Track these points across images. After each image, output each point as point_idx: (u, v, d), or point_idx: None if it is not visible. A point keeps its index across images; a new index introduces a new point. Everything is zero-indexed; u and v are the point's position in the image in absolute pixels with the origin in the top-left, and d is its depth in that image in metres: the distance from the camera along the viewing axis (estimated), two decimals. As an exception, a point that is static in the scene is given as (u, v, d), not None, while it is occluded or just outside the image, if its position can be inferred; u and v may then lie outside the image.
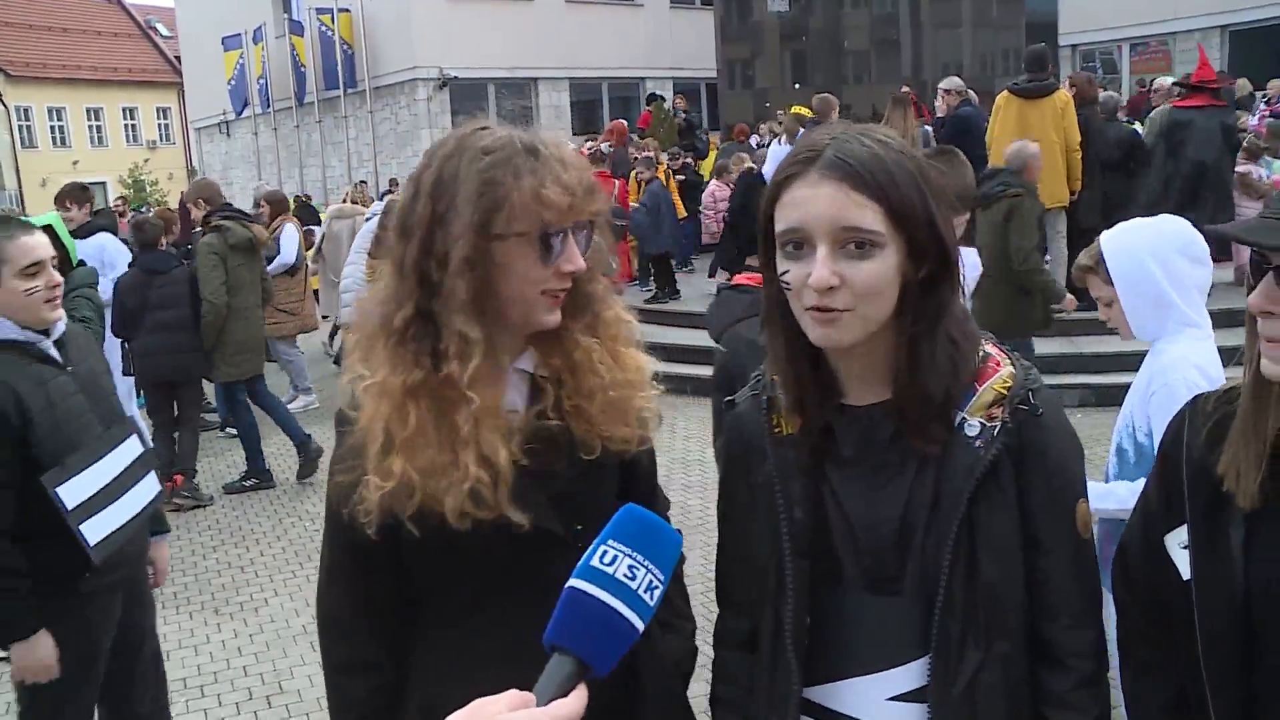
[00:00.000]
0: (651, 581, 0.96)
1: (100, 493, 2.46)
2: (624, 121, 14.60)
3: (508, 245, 1.29)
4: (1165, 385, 2.24)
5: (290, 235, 8.83)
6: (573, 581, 0.94)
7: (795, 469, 1.34)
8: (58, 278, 2.51)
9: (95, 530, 2.44)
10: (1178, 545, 1.28)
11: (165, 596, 5.09)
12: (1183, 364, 2.25)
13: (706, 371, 6.31)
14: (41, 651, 2.40)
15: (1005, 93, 7.64)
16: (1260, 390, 1.16)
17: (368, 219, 8.66)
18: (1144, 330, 2.38)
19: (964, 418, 1.26)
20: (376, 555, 1.37)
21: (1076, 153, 7.44)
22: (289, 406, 8.84)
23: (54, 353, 2.51)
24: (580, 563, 0.95)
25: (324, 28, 21.11)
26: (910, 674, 1.28)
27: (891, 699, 1.29)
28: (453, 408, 1.29)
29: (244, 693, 4.09)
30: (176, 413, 6.47)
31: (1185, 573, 1.26)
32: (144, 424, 6.02)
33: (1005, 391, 1.27)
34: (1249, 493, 1.16)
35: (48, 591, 2.41)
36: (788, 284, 1.24)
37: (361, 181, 17.57)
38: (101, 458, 2.49)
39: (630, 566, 0.94)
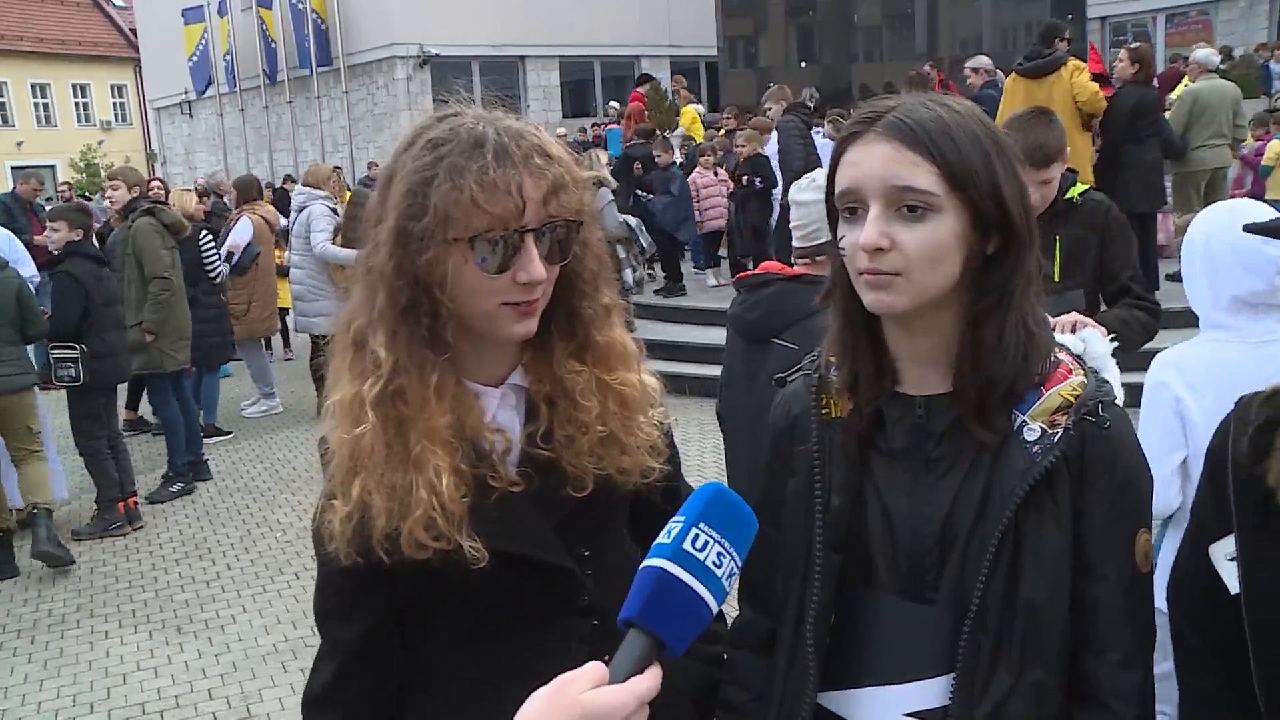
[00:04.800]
0: (733, 570, 1.00)
1: None
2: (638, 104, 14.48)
3: (439, 254, 1.22)
4: (1146, 384, 2.30)
5: (244, 229, 8.36)
6: (664, 564, 0.97)
7: (840, 454, 1.35)
8: None
9: None
10: (1224, 557, 1.28)
11: (122, 614, 5.08)
12: (1160, 364, 2.30)
13: (706, 371, 6.45)
14: None
15: (1012, 74, 7.66)
16: None
17: (296, 210, 8.09)
18: (1195, 308, 2.38)
19: (1024, 421, 1.26)
20: (366, 587, 1.33)
21: (1101, 101, 7.37)
22: (249, 411, 8.80)
23: None
24: (671, 543, 0.98)
25: (295, 0, 21.07)
26: (933, 690, 1.28)
27: (909, 715, 1.29)
28: (407, 425, 1.26)
29: (208, 718, 4.08)
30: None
31: (1232, 586, 1.26)
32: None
33: (1073, 399, 1.26)
34: None
35: None
36: (843, 249, 1.26)
37: (336, 167, 17.47)
38: None
39: (719, 554, 0.99)
